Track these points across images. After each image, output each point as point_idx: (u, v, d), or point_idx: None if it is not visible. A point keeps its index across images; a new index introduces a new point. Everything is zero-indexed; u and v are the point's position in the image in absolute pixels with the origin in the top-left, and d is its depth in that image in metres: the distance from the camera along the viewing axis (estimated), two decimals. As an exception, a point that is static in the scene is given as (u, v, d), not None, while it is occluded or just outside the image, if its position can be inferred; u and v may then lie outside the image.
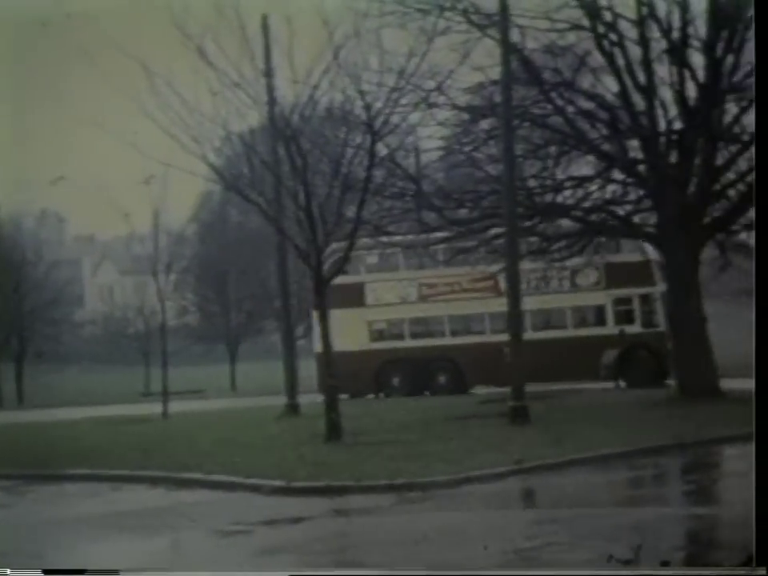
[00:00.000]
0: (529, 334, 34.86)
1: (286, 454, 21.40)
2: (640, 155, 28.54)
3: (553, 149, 29.60)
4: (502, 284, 35.33)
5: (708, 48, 27.29)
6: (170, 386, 33.77)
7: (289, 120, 24.45)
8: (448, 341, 37.24)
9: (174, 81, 23.55)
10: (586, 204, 29.33)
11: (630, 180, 28.96)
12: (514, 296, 25.45)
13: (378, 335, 38.20)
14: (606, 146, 28.87)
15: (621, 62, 27.82)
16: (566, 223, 30.57)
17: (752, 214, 28.15)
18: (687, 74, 27.56)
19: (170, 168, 26.76)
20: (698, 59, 27.61)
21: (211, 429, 27.34)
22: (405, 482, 17.72)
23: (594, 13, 27.77)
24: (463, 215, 30.15)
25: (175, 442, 24.52)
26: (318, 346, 37.49)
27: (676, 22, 27.38)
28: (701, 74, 27.51)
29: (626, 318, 35.88)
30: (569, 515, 14.89)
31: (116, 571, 11.64)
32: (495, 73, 26.78)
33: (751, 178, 27.65)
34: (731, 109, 28.04)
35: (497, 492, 17.29)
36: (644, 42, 27.59)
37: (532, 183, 29.73)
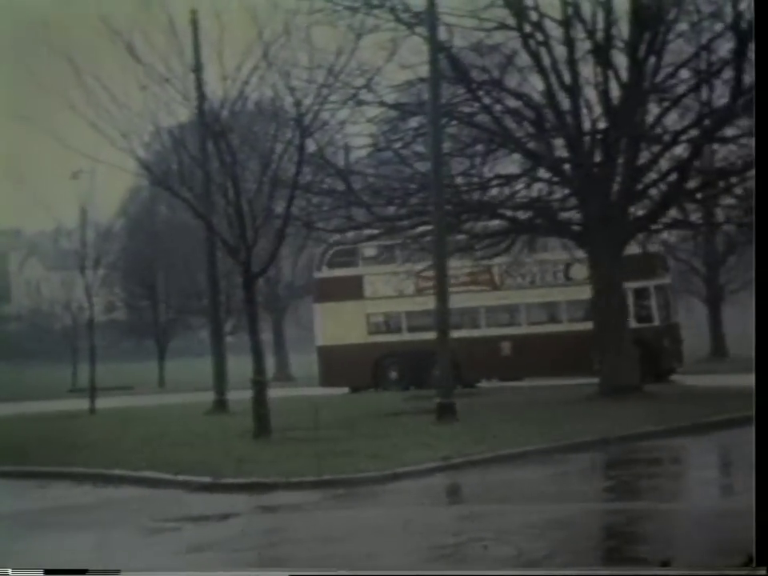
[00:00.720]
0: (523, 329, 36.23)
1: (214, 451, 21.45)
2: (565, 154, 28.92)
3: (480, 147, 29.90)
4: (498, 277, 36.09)
5: (631, 49, 27.71)
6: (98, 382, 33.63)
7: (218, 115, 24.51)
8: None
9: (101, 75, 23.52)
10: (513, 202, 29.64)
11: (555, 178, 29.30)
12: (442, 293, 25.65)
13: (376, 328, 38.04)
14: (533, 145, 29.20)
15: (547, 61, 28.17)
16: (493, 221, 30.87)
17: (672, 213, 28.67)
18: (611, 74, 27.97)
19: (99, 163, 26.67)
20: (621, 60, 28.04)
21: (139, 425, 27.29)
22: (332, 478, 17.83)
23: (520, 12, 28.09)
24: (392, 212, 30.34)
25: (102, 439, 24.46)
26: (319, 339, 38.52)
27: (600, 23, 27.82)
28: (624, 75, 27.94)
29: None
30: (494, 511, 15.09)
31: (117, 571, 11.70)
32: (423, 71, 26.96)
33: (672, 177, 28.15)
34: (653, 109, 28.52)
35: (424, 488, 17.46)
36: (569, 42, 27.97)
37: (460, 181, 30.00)
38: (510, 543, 12.65)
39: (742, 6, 26.92)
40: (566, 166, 28.95)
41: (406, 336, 37.03)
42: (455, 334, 35.59)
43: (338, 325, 37.34)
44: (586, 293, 31.58)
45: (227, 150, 23.77)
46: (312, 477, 17.91)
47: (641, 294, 35.08)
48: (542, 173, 29.54)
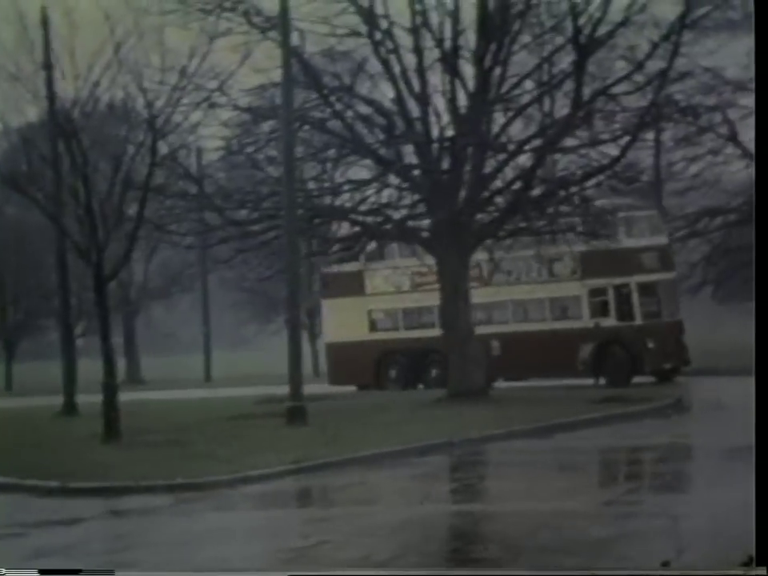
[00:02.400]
0: (511, 327, 34.24)
1: (63, 455, 21.34)
2: (415, 161, 29.44)
3: (332, 152, 30.23)
4: (486, 272, 34.18)
5: (477, 59, 28.35)
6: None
7: (69, 116, 24.37)
8: (438, 332, 34.73)
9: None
10: (363, 207, 30.03)
11: (405, 185, 29.76)
12: (293, 297, 25.93)
13: (377, 325, 36.77)
14: (383, 151, 29.62)
15: (397, 68, 28.66)
16: (344, 226, 31.21)
17: (517, 220, 29.40)
18: (458, 83, 28.58)
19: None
20: (468, 69, 28.66)
21: (-15, 429, 26.90)
22: (183, 482, 17.92)
23: (370, 20, 28.51)
24: (244, 216, 30.44)
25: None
26: (326, 336, 37.49)
27: (448, 33, 28.39)
28: (471, 84, 28.58)
29: (601, 310, 33.54)
30: (343, 513, 15.40)
31: (111, 571, 11.67)
32: (276, 75, 27.21)
33: (516, 185, 28.91)
34: (499, 118, 29.24)
35: (274, 491, 17.69)
36: (418, 50, 28.49)
37: (311, 186, 30.28)
38: (358, 545, 12.96)
39: (582, 21, 27.84)
40: (415, 173, 29.47)
41: (404, 333, 35.82)
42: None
43: (342, 321, 36.18)
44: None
45: (78, 150, 23.67)
46: (163, 480, 17.97)
47: (620, 291, 33.18)
48: (392, 179, 29.98)
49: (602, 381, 32.71)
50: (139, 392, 37.73)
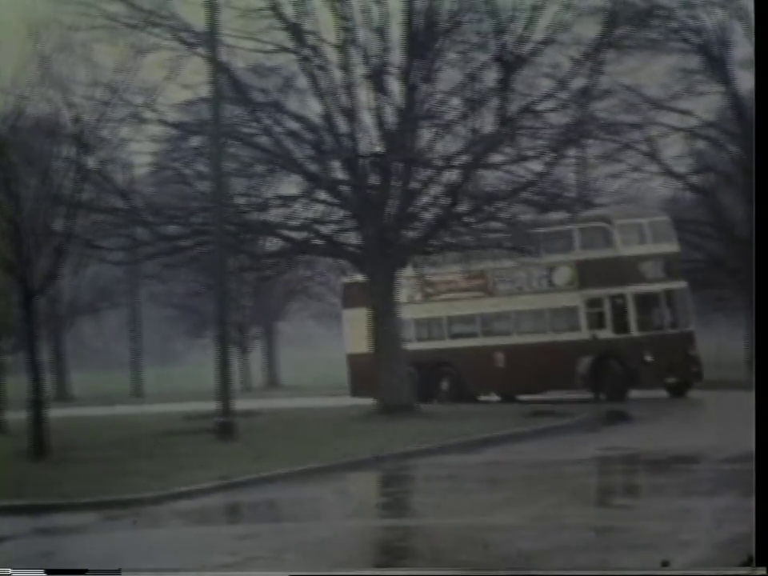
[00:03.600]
0: (514, 339, 33.16)
1: (-11, 473, 21.20)
2: (343, 176, 29.62)
3: (260, 167, 30.32)
4: (491, 282, 33.61)
5: (404, 75, 28.63)
6: None
7: (-5, 129, 24.27)
8: (447, 344, 34.65)
9: None
10: (292, 223, 30.15)
11: (333, 200, 29.92)
12: (222, 312, 25.96)
13: None
14: (311, 167, 29.77)
15: (324, 84, 28.84)
16: (273, 241, 31.29)
17: (444, 236, 29.70)
18: (386, 99, 28.84)
19: None
20: (395, 86, 28.93)
21: None
22: (111, 499, 17.90)
23: (298, 36, 28.69)
24: (173, 231, 30.41)
25: None
26: (349, 347, 35.96)
27: (375, 49, 28.64)
28: (398, 100, 28.85)
29: (598, 322, 32.29)
30: (272, 530, 15.49)
31: (118, 571, 11.63)
32: (204, 90, 27.25)
33: (444, 201, 29.21)
34: (426, 134, 29.53)
35: (203, 508, 17.74)
36: (346, 66, 28.71)
37: (240, 201, 30.32)
38: (286, 561, 13.07)
39: (506, 39, 28.25)
40: (344, 188, 29.65)
41: (416, 345, 34.05)
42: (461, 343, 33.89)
43: (361, 332, 33.98)
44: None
45: (5, 165, 23.55)
46: (91, 498, 17.95)
47: (615, 302, 31.91)
48: (321, 194, 30.12)
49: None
50: (68, 408, 37.49)
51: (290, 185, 31.11)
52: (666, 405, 30.73)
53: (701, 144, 40.48)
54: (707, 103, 39.20)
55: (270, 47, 28.96)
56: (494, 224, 30.09)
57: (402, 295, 32.31)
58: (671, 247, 33.02)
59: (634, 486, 18.81)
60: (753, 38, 10.08)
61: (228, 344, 26.55)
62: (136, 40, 28.07)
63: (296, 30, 28.71)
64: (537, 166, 29.51)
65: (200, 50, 27.98)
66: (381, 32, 28.53)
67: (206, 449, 23.12)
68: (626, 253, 32.05)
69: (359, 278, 33.04)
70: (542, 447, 23.00)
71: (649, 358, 31.46)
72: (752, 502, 9.93)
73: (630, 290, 31.81)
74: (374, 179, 29.19)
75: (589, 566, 11.45)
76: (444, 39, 28.60)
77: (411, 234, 29.90)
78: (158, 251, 30.55)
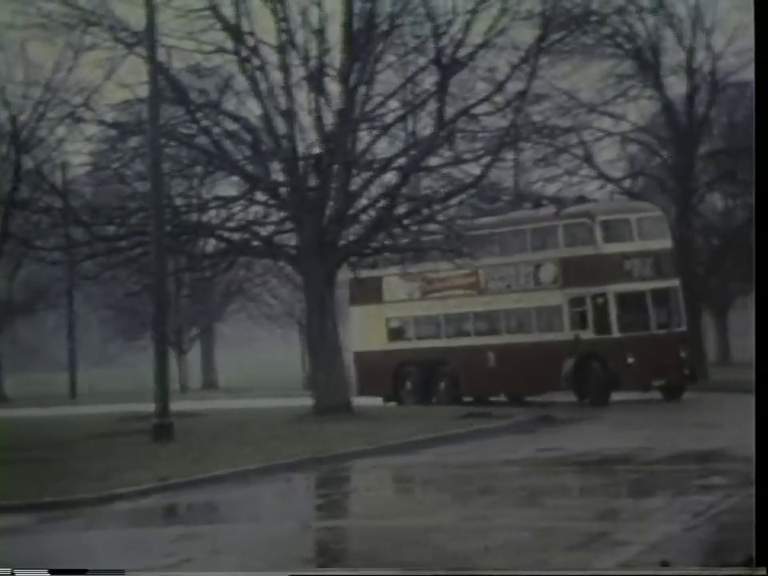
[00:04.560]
0: (504, 338, 32.37)
1: None
2: (282, 178, 29.69)
3: (199, 168, 30.33)
4: (484, 280, 32.93)
5: (343, 77, 28.76)
6: None
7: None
8: (444, 343, 34.06)
9: None
10: (231, 224, 30.17)
11: (272, 201, 29.99)
12: (160, 313, 25.92)
13: (395, 334, 34.98)
14: (250, 168, 29.82)
15: (263, 86, 28.91)
16: (212, 242, 31.31)
17: (381, 238, 29.89)
18: (324, 101, 28.96)
19: None
20: (334, 87, 29.08)
21: None
22: (49, 500, 17.84)
23: (237, 37, 28.71)
24: (111, 232, 30.31)
25: None
26: (354, 345, 35.21)
27: (314, 51, 28.77)
28: (337, 102, 28.97)
29: (580, 322, 31.31)
30: (210, 531, 15.52)
31: (121, 571, 11.56)
32: (143, 91, 27.19)
33: (382, 203, 29.38)
34: (364, 137, 29.70)
35: (140, 509, 17.72)
36: (285, 68, 28.79)
37: (179, 202, 30.31)
38: (223, 563, 13.12)
39: (444, 43, 28.51)
40: (282, 190, 29.71)
41: (416, 344, 34.11)
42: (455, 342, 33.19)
43: (367, 329, 34.62)
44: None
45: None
46: (28, 499, 17.88)
47: (596, 301, 30.90)
48: (259, 195, 30.18)
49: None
50: (2, 410, 37.20)
51: (229, 186, 31.23)
52: (617, 410, 30.24)
53: (633, 148, 41.05)
54: (640, 108, 39.78)
55: (208, 48, 29.01)
56: (431, 226, 30.35)
57: (403, 292, 32.67)
58: (663, 244, 31.97)
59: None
60: (753, 38, 10.22)
61: (165, 345, 26.52)
62: (73, 39, 28.02)
63: (235, 31, 28.74)
64: (474, 169, 29.80)
65: (138, 49, 27.92)
66: (320, 34, 28.67)
67: (143, 450, 23.08)
68: (607, 250, 31.10)
69: (366, 273, 33.09)
70: (476, 448, 23.23)
71: (631, 360, 30.45)
72: (752, 502, 9.92)
73: (611, 289, 30.81)
74: (312, 181, 29.30)
75: (525, 566, 11.60)
76: (383, 42, 28.79)
77: (350, 235, 30.06)
78: (95, 252, 30.45)
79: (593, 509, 15.23)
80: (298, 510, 17.19)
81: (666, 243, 32.00)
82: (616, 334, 30.73)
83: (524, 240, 32.15)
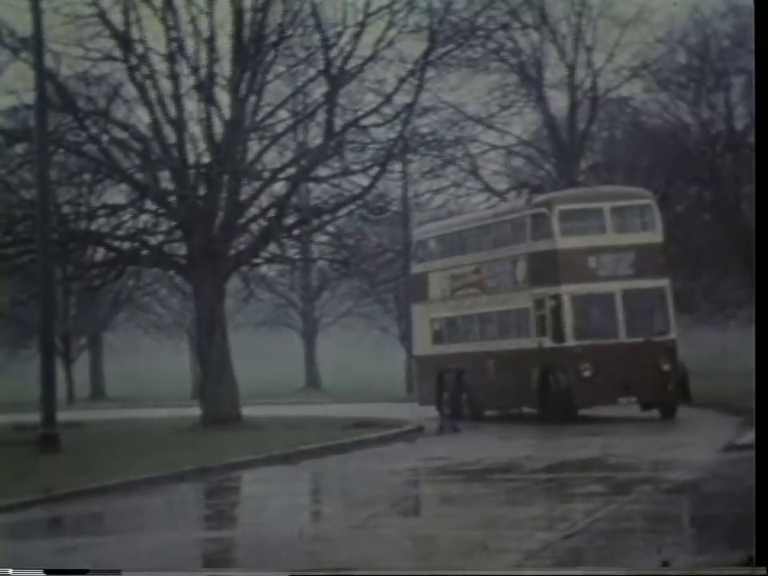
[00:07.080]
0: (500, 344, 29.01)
1: None
2: (171, 186, 29.66)
3: (87, 176, 30.18)
4: (485, 277, 29.91)
5: (232, 87, 28.83)
6: None
7: None
8: (456, 348, 30.73)
9: None
10: (119, 233, 30.05)
11: (161, 211, 29.95)
12: (47, 322, 25.70)
13: (437, 337, 31.50)
14: (139, 176, 29.73)
15: (153, 94, 28.86)
16: (101, 251, 31.11)
17: (272, 248, 30.03)
18: (214, 110, 29.00)
19: None
20: (224, 97, 29.16)
21: None
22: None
23: (126, 45, 28.61)
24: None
25: None
26: (417, 348, 32.40)
27: (204, 60, 28.79)
28: (226, 112, 29.03)
29: (542, 327, 27.52)
30: (95, 543, 15.45)
31: (118, 571, 11.30)
32: (29, 97, 26.93)
33: (271, 213, 29.52)
34: (254, 146, 29.82)
35: (22, 521, 17.54)
36: (174, 76, 28.78)
37: (66, 210, 30.10)
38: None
39: (333, 54, 28.76)
40: (172, 199, 29.68)
41: (451, 348, 30.54)
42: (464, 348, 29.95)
43: (424, 331, 31.54)
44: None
45: None
46: None
47: (552, 303, 27.08)
48: (148, 204, 30.10)
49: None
50: None
51: (118, 194, 31.08)
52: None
53: (518, 161, 41.72)
54: (524, 122, 40.51)
55: (97, 55, 28.87)
56: (320, 237, 30.57)
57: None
58: (650, 237, 27.41)
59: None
60: (753, 38, 10.43)
61: (52, 354, 26.24)
62: (-43, 44, 27.65)
63: (124, 39, 28.64)
64: (363, 180, 30.08)
65: (24, 55, 27.66)
66: (210, 43, 28.71)
67: (28, 461, 22.84)
68: (564, 245, 26.97)
69: (417, 268, 31.33)
70: (364, 458, 23.45)
71: (587, 374, 26.53)
72: (752, 502, 9.92)
73: (565, 290, 26.77)
74: (202, 190, 29.34)
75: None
76: (272, 52, 28.92)
77: (239, 245, 30.13)
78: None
79: (474, 516, 15.45)
80: (183, 520, 17.17)
81: (652, 237, 27.48)
82: (570, 342, 26.80)
83: (505, 233, 28.95)
